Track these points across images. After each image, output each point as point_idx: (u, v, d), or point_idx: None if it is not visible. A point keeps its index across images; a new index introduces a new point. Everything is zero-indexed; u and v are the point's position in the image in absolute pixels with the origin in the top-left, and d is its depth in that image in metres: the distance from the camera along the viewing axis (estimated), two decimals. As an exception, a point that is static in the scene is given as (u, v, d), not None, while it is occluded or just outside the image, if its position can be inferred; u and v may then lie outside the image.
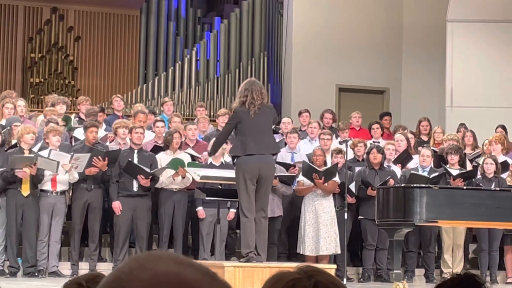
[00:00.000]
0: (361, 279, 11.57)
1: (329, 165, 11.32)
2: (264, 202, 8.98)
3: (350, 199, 11.20)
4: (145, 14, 18.67)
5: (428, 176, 11.34)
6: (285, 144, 12.21)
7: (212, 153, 10.01)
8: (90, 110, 12.47)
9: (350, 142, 11.79)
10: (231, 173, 10.00)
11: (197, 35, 19.15)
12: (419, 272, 11.96)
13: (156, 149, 11.47)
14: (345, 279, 9.87)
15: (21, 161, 10.45)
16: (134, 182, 10.88)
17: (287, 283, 1.56)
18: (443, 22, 16.33)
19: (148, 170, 10.79)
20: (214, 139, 10.10)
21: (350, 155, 11.91)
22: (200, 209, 11.04)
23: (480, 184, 11.34)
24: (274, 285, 1.57)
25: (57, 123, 11.32)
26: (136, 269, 1.17)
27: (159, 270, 1.17)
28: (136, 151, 11.04)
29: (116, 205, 10.90)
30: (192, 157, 11.37)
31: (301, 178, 11.28)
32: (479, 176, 11.69)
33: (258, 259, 8.80)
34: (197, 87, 18.40)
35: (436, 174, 11.41)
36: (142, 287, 1.15)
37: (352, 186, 11.34)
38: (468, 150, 12.75)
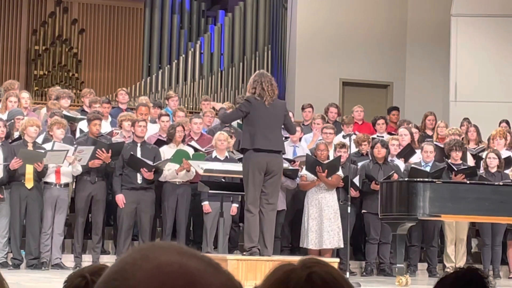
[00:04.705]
0: (364, 273, 11.58)
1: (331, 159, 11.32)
2: (272, 195, 8.91)
3: (354, 193, 11.19)
4: (149, 7, 18.66)
5: (428, 171, 11.32)
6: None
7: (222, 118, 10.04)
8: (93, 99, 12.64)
9: (354, 137, 11.78)
10: (234, 167, 10.00)
11: (201, 28, 19.14)
12: (422, 266, 11.97)
13: (159, 143, 11.47)
14: (348, 273, 9.88)
15: (31, 157, 10.45)
16: (138, 174, 10.89)
17: (282, 274, 1.57)
18: (447, 17, 16.30)
19: (150, 163, 10.79)
20: (223, 115, 10.05)
21: (354, 149, 11.90)
22: (206, 204, 11.04)
23: (485, 177, 11.33)
24: (271, 275, 1.57)
25: (61, 116, 11.32)
26: (139, 260, 1.18)
27: (162, 261, 1.17)
28: (139, 144, 11.05)
29: (120, 198, 10.91)
30: (195, 150, 11.37)
31: (304, 172, 11.29)
32: (482, 171, 11.68)
33: (265, 253, 8.77)
34: (201, 81, 18.39)
35: (437, 168, 11.40)
36: (146, 278, 1.15)
37: (356, 180, 11.33)
38: (471, 145, 12.75)
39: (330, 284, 1.54)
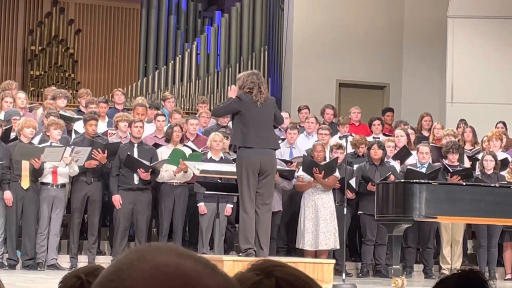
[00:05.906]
0: (360, 274, 11.57)
1: (328, 160, 11.32)
2: (267, 196, 8.89)
3: (350, 195, 11.18)
4: (146, 8, 18.66)
5: (424, 172, 11.32)
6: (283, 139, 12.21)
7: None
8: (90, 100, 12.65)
9: (350, 138, 11.78)
10: (230, 167, 9.98)
11: (198, 29, 19.13)
12: (418, 267, 11.96)
13: (157, 147, 11.45)
14: (343, 274, 9.87)
15: (28, 152, 10.43)
16: (135, 175, 10.88)
17: None
18: (444, 18, 16.31)
19: (147, 163, 10.78)
20: (214, 108, 9.98)
21: (350, 150, 11.90)
22: (201, 205, 11.02)
23: (481, 178, 11.33)
24: None
25: (58, 116, 11.31)
26: (136, 260, 1.17)
27: (159, 261, 1.17)
28: (136, 145, 11.04)
29: (116, 199, 10.90)
30: (192, 151, 11.36)
31: (301, 173, 11.28)
32: (478, 172, 11.68)
33: (261, 254, 8.75)
34: (197, 81, 18.39)
35: (433, 169, 11.40)
36: (143, 278, 1.15)
37: (353, 182, 11.32)
38: (467, 146, 12.76)
39: (297, 285, 1.50)
